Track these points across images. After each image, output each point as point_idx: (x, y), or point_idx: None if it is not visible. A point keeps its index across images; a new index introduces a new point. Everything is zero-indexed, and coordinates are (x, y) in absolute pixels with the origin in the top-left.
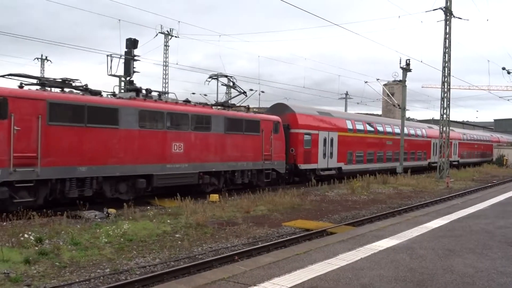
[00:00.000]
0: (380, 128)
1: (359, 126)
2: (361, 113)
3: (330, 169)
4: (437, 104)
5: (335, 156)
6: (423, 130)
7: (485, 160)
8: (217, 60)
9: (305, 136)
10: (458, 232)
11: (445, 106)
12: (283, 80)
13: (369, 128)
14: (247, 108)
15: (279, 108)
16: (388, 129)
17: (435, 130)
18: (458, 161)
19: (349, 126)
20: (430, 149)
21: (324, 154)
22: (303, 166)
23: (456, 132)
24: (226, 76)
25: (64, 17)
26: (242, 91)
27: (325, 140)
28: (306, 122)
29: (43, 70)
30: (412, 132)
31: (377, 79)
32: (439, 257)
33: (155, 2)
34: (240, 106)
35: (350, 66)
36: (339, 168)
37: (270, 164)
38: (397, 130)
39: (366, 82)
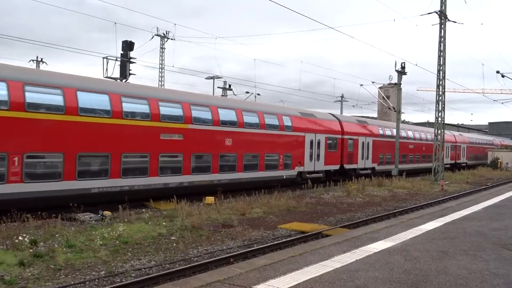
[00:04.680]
0: (167, 111)
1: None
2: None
3: None
4: (431, 107)
5: None
6: (288, 118)
7: (428, 166)
8: (208, 63)
9: None
10: (452, 234)
11: (440, 109)
12: (275, 83)
13: (128, 107)
14: None
15: None
16: (196, 113)
17: (318, 119)
18: (373, 168)
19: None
20: (302, 150)
21: None
22: None
23: (373, 126)
24: None
25: (53, 20)
26: None
27: None
28: None
29: None
30: (252, 120)
31: (373, 82)
32: (433, 259)
33: (149, 5)
34: None
35: (343, 69)
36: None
37: None
38: (231, 118)
39: (361, 85)
